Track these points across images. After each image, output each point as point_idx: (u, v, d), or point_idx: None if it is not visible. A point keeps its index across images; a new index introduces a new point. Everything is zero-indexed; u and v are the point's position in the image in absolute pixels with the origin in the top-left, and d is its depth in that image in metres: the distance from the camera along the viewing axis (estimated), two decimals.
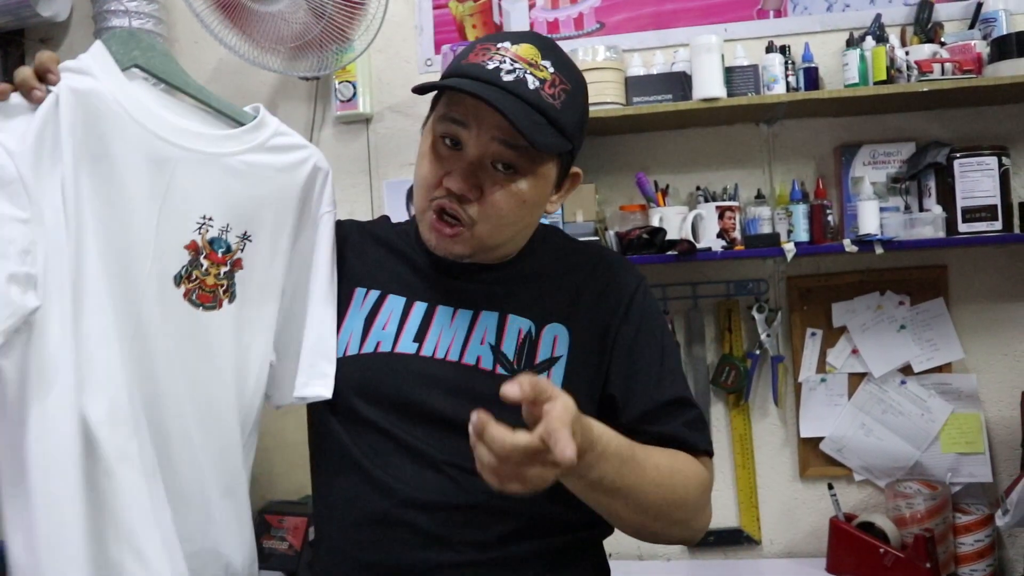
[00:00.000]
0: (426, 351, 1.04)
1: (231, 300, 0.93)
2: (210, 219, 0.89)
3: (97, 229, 0.81)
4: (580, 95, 1.05)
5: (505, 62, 0.95)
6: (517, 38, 0.99)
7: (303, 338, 1.03)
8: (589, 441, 0.80)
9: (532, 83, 0.95)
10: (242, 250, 0.93)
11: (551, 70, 0.97)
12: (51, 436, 0.77)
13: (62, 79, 0.83)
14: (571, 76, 1.01)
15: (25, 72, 0.83)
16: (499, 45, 0.97)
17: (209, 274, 0.89)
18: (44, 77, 0.83)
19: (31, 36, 2.55)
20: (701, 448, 1.01)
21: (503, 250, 1.07)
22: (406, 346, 1.04)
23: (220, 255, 0.90)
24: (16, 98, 0.82)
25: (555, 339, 1.03)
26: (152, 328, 0.86)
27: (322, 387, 1.03)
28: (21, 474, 0.77)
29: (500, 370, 1.02)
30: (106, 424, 0.80)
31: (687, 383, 1.08)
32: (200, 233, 0.88)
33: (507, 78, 0.94)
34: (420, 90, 0.98)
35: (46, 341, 0.77)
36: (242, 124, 0.94)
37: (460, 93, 0.95)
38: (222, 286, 0.91)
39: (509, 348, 1.03)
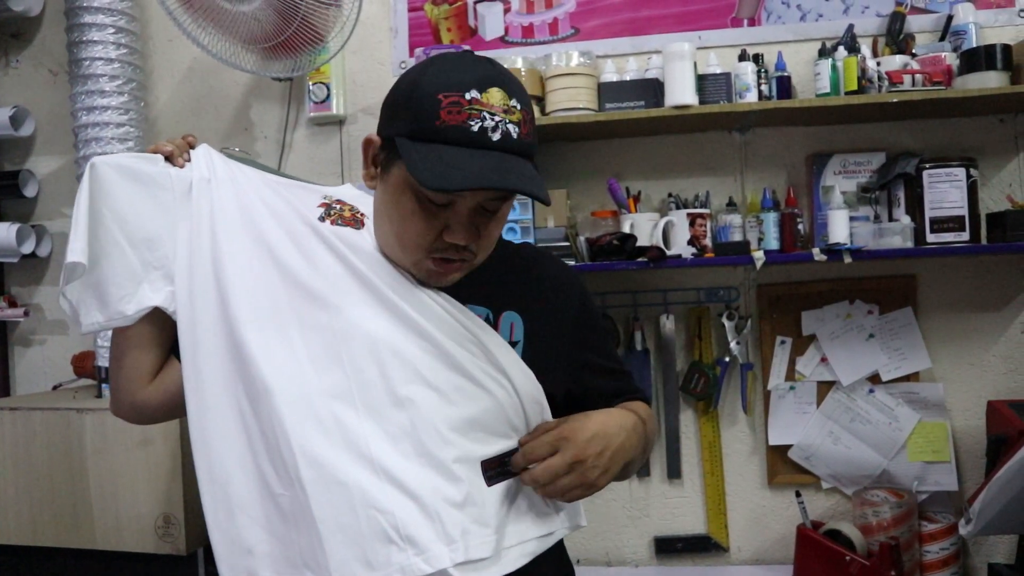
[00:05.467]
0: None
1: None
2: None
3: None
4: (534, 116, 1.04)
5: (486, 119, 0.92)
6: (480, 83, 0.94)
7: None
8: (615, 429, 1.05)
9: (514, 132, 0.93)
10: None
11: (519, 107, 0.95)
12: None
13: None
14: (528, 102, 0.99)
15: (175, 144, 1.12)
16: (468, 97, 0.92)
17: (344, 209, 1.15)
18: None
19: (2, 30, 2.52)
20: (647, 398, 1.25)
21: None
22: None
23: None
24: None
25: (512, 326, 1.08)
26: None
27: None
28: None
29: None
30: None
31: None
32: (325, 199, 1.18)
33: (495, 136, 0.92)
34: (436, 188, 0.91)
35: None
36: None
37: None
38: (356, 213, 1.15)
39: None
